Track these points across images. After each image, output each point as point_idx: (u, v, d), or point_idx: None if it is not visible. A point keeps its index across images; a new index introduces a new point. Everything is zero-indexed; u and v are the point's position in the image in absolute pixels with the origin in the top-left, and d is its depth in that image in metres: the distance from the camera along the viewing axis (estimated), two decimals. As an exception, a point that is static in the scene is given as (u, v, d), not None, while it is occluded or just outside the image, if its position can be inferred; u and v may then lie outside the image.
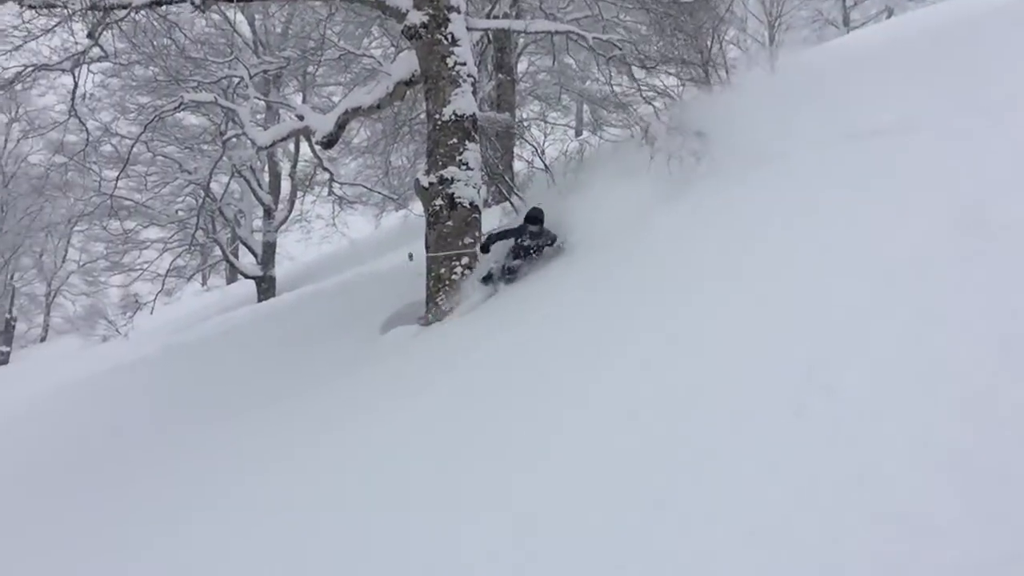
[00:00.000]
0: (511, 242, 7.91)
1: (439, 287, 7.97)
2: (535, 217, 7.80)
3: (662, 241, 6.17)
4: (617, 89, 10.68)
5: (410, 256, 7.73)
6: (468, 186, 8.06)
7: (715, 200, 6.41)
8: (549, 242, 7.86)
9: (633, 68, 9.56)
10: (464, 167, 8.06)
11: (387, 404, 5.69)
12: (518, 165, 11.88)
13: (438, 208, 8.05)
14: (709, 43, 8.70)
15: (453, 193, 8.00)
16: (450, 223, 7.99)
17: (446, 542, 3.69)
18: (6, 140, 35.50)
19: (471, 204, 8.06)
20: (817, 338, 3.86)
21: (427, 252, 8.18)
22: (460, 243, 7.97)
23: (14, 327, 36.19)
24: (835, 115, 6.61)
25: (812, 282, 4.39)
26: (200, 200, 20.45)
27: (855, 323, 3.85)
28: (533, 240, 7.83)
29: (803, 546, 2.79)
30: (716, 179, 6.78)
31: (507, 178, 9.37)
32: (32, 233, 34.32)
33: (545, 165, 9.13)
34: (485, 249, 7.96)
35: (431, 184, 8.10)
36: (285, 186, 22.51)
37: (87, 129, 12.22)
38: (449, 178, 8.01)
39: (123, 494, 6.03)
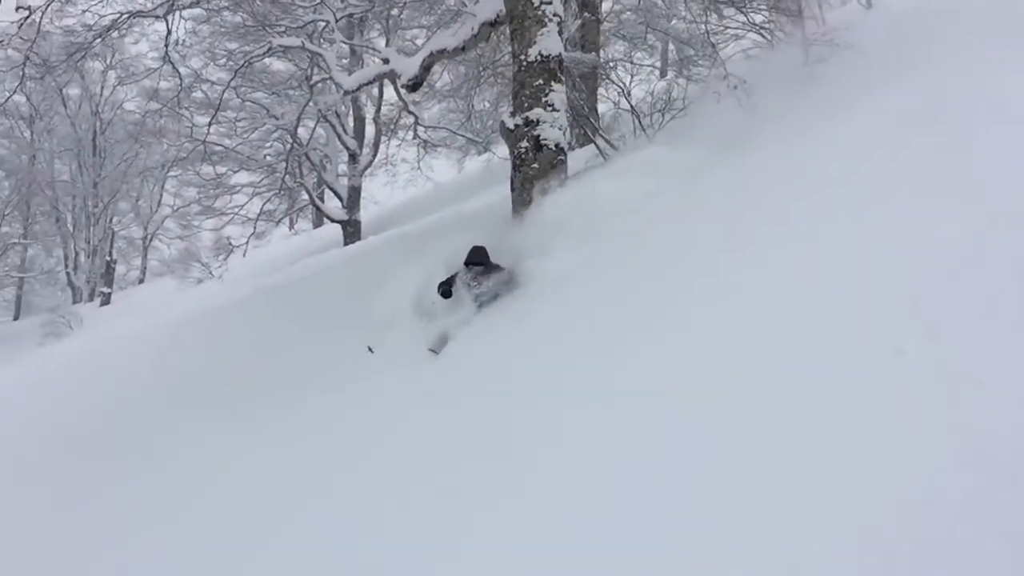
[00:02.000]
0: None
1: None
2: (476, 260, 7.38)
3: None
4: (705, 28, 10.39)
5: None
6: (554, 128, 8.00)
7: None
8: (502, 282, 7.25)
9: (721, 5, 9.28)
10: (550, 108, 8.00)
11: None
12: (603, 107, 11.72)
13: (523, 150, 8.02)
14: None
15: (539, 135, 7.95)
16: (535, 165, 7.96)
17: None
18: (102, 88, 36.65)
19: (557, 146, 8.01)
20: (919, 275, 3.76)
21: (512, 194, 8.19)
22: (545, 186, 7.93)
23: (114, 269, 37.72)
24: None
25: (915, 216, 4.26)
26: (287, 145, 20.83)
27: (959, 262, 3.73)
28: (478, 283, 7.31)
29: (892, 487, 2.76)
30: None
31: (592, 120, 9.24)
32: (128, 179, 35.55)
33: (631, 106, 8.98)
34: (447, 295, 7.46)
35: (516, 126, 8.07)
36: (369, 130, 22.69)
37: (180, 76, 12.51)
38: (535, 120, 7.96)
39: (229, 427, 6.34)
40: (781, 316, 4.07)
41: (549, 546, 3.43)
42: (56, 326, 28.87)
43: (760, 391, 3.59)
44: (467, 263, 7.38)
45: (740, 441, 3.38)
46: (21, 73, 9.22)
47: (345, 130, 21.38)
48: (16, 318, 38.16)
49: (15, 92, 11.16)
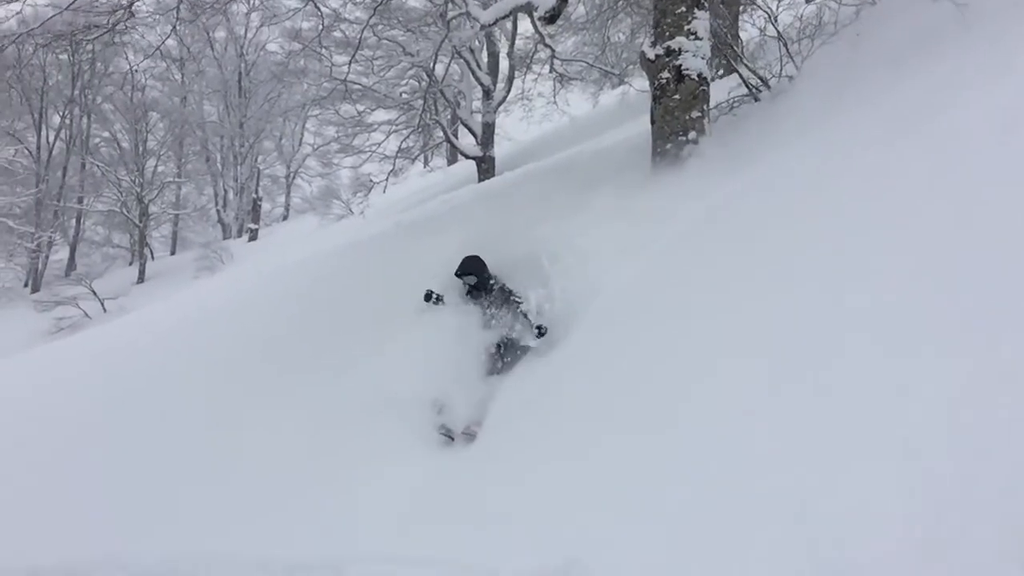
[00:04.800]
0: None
1: (664, 163, 7.80)
2: (468, 269, 6.75)
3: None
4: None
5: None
6: (696, 57, 7.72)
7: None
8: (505, 298, 6.58)
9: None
10: (692, 37, 7.72)
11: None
12: (746, 34, 11.23)
13: (664, 81, 7.79)
14: None
15: (680, 65, 7.70)
16: (677, 96, 7.73)
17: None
18: (246, 29, 37.95)
19: (699, 76, 7.74)
20: None
21: (652, 126, 8.00)
22: (687, 117, 7.70)
23: (260, 206, 39.45)
24: None
25: None
26: (423, 83, 21.01)
27: None
28: (475, 298, 6.76)
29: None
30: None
31: (735, 48, 8.86)
32: (272, 118, 36.86)
33: (778, 32, 8.54)
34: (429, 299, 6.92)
35: (657, 56, 7.83)
36: (503, 66, 22.60)
37: (321, 15, 12.75)
38: (676, 49, 7.70)
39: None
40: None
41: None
42: (209, 260, 30.53)
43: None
44: (458, 274, 6.80)
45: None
46: (175, 15, 9.58)
47: (479, 66, 21.37)
48: (173, 253, 40.55)
49: (169, 36, 11.66)
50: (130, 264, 37.36)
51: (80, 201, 37.01)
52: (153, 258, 37.98)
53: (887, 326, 3.94)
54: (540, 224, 7.38)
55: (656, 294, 5.73)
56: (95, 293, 28.99)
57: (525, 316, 6.41)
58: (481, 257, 6.82)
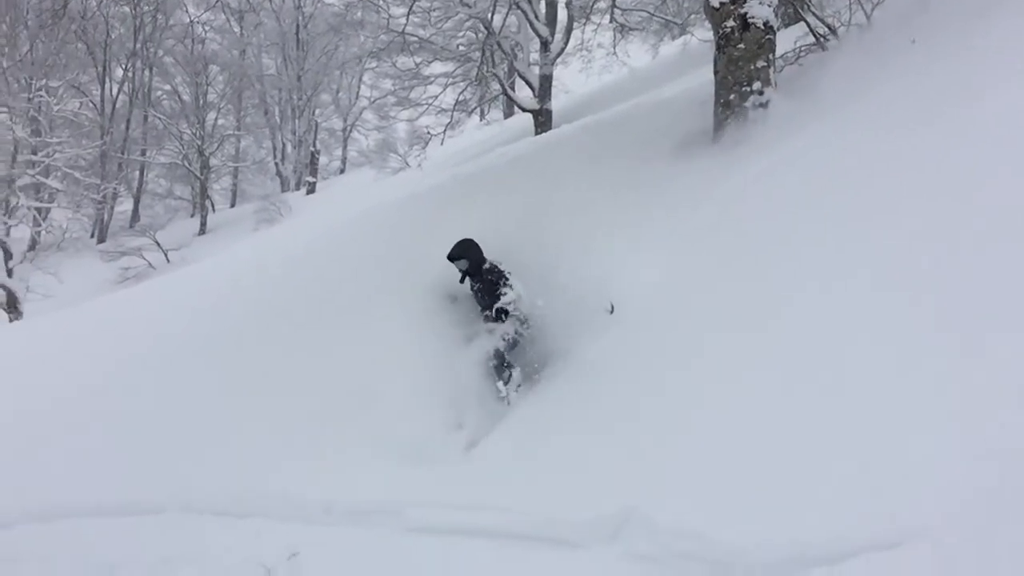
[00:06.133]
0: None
1: (727, 114, 7.64)
2: (459, 253, 6.54)
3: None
4: None
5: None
6: (763, 5, 7.50)
7: None
8: (491, 287, 6.38)
9: None
10: (759, -17, 7.51)
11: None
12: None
13: (729, 30, 7.60)
14: None
15: (746, 13, 7.48)
16: (741, 45, 7.53)
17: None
18: (304, -19, 37.95)
19: (765, 24, 7.52)
20: None
21: (716, 77, 7.83)
22: (752, 67, 7.51)
23: (318, 159, 39.76)
24: None
25: None
26: (479, 34, 20.81)
27: None
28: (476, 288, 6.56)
29: None
30: None
31: (803, -5, 8.59)
32: (329, 71, 37.03)
33: (847, -22, 8.26)
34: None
35: (722, 4, 7.62)
36: (561, 16, 22.25)
37: (379, -35, 12.66)
38: (742, -4, 7.51)
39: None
40: None
41: None
42: (268, 213, 30.96)
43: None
44: (451, 257, 6.61)
45: None
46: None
47: (537, 16, 21.06)
48: (233, 205, 41.21)
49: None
50: (192, 216, 38.09)
51: (143, 153, 37.73)
52: (214, 210, 38.66)
53: (952, 294, 3.84)
54: (584, 204, 7.27)
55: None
56: (159, 244, 29.66)
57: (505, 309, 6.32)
58: (473, 239, 6.62)
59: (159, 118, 36.59)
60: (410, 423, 5.98)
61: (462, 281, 6.66)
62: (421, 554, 4.47)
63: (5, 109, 27.30)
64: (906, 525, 3.11)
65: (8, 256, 24.77)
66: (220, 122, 39.11)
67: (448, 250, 6.73)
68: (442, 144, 17.27)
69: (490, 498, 4.73)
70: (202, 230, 34.54)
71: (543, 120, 20.71)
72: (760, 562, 3.42)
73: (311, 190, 36.70)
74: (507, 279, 6.42)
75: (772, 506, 3.58)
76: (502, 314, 6.25)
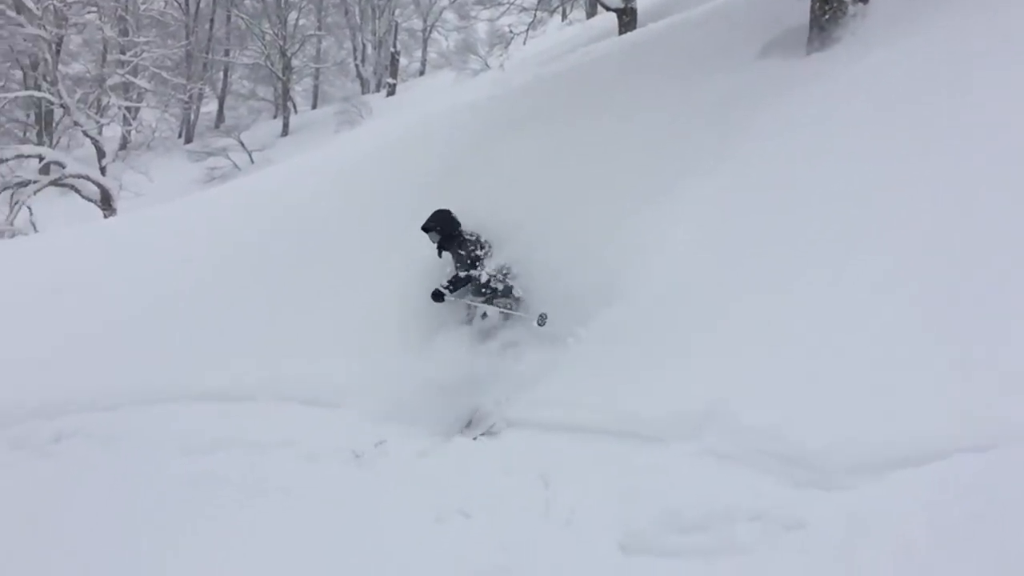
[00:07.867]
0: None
1: (826, 9, 7.26)
2: (432, 224, 5.99)
3: None
4: None
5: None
6: None
7: None
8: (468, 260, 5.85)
9: None
10: None
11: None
12: None
13: (832, -82, 7.17)
14: None
15: (852, -101, 7.05)
16: (843, -64, 7.11)
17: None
18: None
19: (872, -88, 7.08)
20: None
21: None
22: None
23: (398, 61, 39.45)
24: None
25: None
26: (565, -72, 20.12)
27: None
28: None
29: None
30: None
31: None
32: (411, -33, 36.36)
33: None
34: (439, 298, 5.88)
35: None
36: (650, -93, 21.37)
37: None
38: None
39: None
40: None
41: None
42: (349, 115, 31.05)
43: None
44: (425, 228, 6.02)
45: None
46: None
47: (624, -92, 20.24)
48: (314, 107, 41.45)
49: None
50: (274, 117, 38.47)
51: (227, 54, 38.03)
52: (296, 112, 38.96)
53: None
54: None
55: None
56: (243, 145, 30.14)
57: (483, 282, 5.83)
58: (449, 210, 6.05)
59: (242, 18, 36.72)
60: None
61: (440, 255, 6.18)
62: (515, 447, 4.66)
63: (94, 9, 27.67)
64: (999, 428, 3.05)
65: (101, 155, 25.47)
66: (301, 22, 39.02)
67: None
68: (524, 44, 16.92)
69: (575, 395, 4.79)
70: (285, 131, 34.91)
71: (628, 19, 20.06)
72: (842, 465, 3.41)
73: (391, 92, 36.60)
74: (480, 258, 5.91)
75: (857, 409, 3.54)
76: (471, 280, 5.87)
